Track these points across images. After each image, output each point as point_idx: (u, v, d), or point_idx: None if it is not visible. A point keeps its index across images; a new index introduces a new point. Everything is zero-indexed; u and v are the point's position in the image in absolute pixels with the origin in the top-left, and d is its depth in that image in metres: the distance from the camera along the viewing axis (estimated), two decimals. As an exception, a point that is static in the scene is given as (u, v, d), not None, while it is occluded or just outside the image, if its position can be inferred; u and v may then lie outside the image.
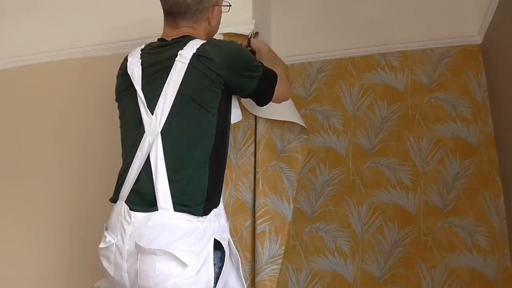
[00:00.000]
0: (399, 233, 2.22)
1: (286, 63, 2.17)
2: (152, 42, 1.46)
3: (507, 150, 2.04)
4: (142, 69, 1.38)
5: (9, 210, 2.06)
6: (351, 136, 2.42)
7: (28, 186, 2.06)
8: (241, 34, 1.78)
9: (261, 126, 1.76)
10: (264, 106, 1.48)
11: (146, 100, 1.32)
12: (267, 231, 1.67)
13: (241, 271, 1.39)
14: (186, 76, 1.29)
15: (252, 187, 1.75)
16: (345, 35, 2.52)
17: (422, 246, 2.17)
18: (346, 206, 2.33)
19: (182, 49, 1.32)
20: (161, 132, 1.27)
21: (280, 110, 1.68)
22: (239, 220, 1.72)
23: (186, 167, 1.27)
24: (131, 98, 1.37)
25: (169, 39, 1.41)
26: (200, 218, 1.24)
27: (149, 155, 1.27)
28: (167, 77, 1.30)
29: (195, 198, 1.25)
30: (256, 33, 1.82)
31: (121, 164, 1.36)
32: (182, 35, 1.40)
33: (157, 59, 1.37)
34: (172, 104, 1.28)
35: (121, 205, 1.27)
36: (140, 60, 1.40)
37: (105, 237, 1.29)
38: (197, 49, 1.31)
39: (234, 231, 1.68)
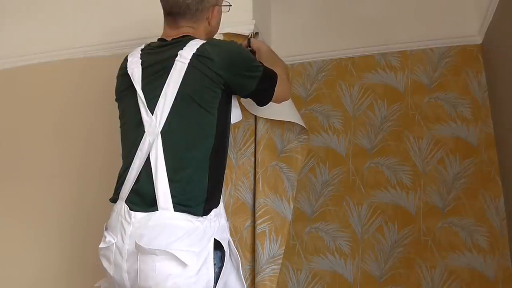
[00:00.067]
0: (399, 233, 2.22)
1: (286, 63, 2.17)
2: (152, 42, 1.46)
3: (507, 150, 2.04)
4: (142, 69, 1.38)
5: (9, 210, 2.06)
6: (351, 136, 2.42)
7: (28, 186, 2.06)
8: (241, 34, 1.78)
9: (261, 126, 1.76)
10: (264, 106, 1.48)
11: (146, 100, 1.32)
12: (267, 231, 1.67)
13: (241, 271, 1.39)
14: (186, 76, 1.29)
15: (252, 187, 1.75)
16: (345, 35, 2.52)
17: (422, 246, 2.17)
18: (346, 206, 2.33)
19: (182, 49, 1.32)
20: (161, 132, 1.27)
21: (280, 110, 1.68)
22: (239, 220, 1.72)
23: (186, 167, 1.27)
24: (131, 98, 1.37)
25: (169, 39, 1.41)
26: (200, 218, 1.24)
27: (149, 155, 1.27)
28: (167, 77, 1.30)
29: (195, 198, 1.25)
30: (256, 33, 1.82)
31: (121, 164, 1.36)
32: (182, 35, 1.40)
33: (157, 59, 1.37)
34: (172, 104, 1.28)
35: (121, 205, 1.27)
36: (140, 60, 1.40)
37: (105, 237, 1.29)
38: (197, 49, 1.31)
39: (234, 231, 1.68)
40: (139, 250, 1.19)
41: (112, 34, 2.07)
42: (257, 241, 1.66)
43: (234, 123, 1.50)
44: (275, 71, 1.43)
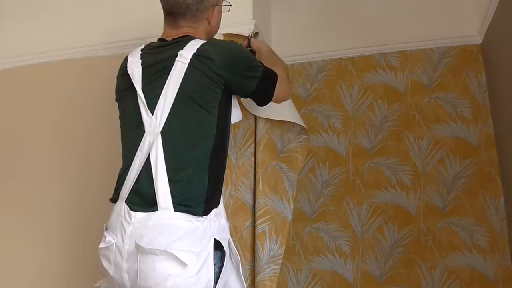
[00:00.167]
0: (399, 233, 2.22)
1: (286, 63, 2.17)
2: (152, 42, 1.46)
3: (507, 150, 2.04)
4: (142, 69, 1.38)
5: (9, 210, 2.06)
6: (351, 136, 2.42)
7: (28, 186, 2.06)
8: (241, 35, 1.77)
9: (261, 126, 1.76)
10: (264, 106, 1.48)
11: (146, 100, 1.32)
12: (267, 231, 1.67)
13: (241, 271, 1.39)
14: (186, 76, 1.29)
15: (252, 187, 1.75)
16: (345, 35, 2.52)
17: (422, 246, 2.17)
18: (346, 206, 2.33)
19: (182, 49, 1.32)
20: (161, 132, 1.27)
21: (280, 110, 1.68)
22: (239, 220, 1.72)
23: (186, 167, 1.27)
24: (131, 98, 1.37)
25: (169, 39, 1.41)
26: (200, 218, 1.24)
27: (149, 155, 1.27)
28: (167, 77, 1.30)
29: (195, 198, 1.25)
30: (256, 33, 1.82)
31: (121, 164, 1.36)
32: (182, 35, 1.40)
33: (157, 59, 1.37)
34: (172, 104, 1.28)
35: (121, 205, 1.27)
36: (140, 60, 1.40)
37: (105, 237, 1.29)
38: (197, 49, 1.31)
39: (234, 231, 1.68)
40: (139, 250, 1.19)
41: (112, 34, 2.07)
42: (257, 241, 1.66)
43: (234, 123, 1.50)
44: (275, 71, 1.43)
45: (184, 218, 1.22)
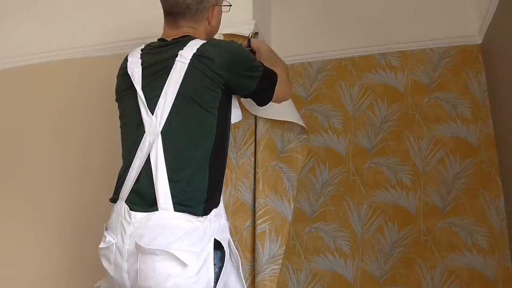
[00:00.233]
0: (399, 233, 2.22)
1: (286, 63, 2.16)
2: (152, 42, 1.46)
3: (507, 150, 2.04)
4: (142, 69, 1.38)
5: (9, 210, 2.06)
6: (351, 136, 2.42)
7: (28, 186, 2.06)
8: (241, 35, 1.77)
9: (261, 126, 1.76)
10: (264, 106, 1.48)
11: (146, 100, 1.32)
12: (267, 231, 1.67)
13: (241, 271, 1.39)
14: (186, 76, 1.29)
15: (252, 187, 1.75)
16: (345, 35, 2.52)
17: (422, 246, 2.17)
18: (346, 206, 2.33)
19: (182, 49, 1.32)
20: (161, 132, 1.27)
21: (280, 110, 1.68)
22: (239, 220, 1.72)
23: (186, 167, 1.27)
24: (131, 98, 1.37)
25: (169, 39, 1.41)
26: (200, 218, 1.24)
27: (149, 155, 1.27)
28: (167, 77, 1.30)
29: (195, 198, 1.25)
30: (256, 33, 1.82)
31: (121, 164, 1.36)
32: (182, 35, 1.40)
33: (157, 59, 1.37)
34: (172, 104, 1.28)
35: (121, 205, 1.27)
36: (140, 60, 1.40)
37: (105, 237, 1.29)
38: (197, 49, 1.31)
39: (234, 231, 1.68)
40: (139, 250, 1.19)
41: (112, 34, 2.07)
42: (257, 241, 1.66)
43: (234, 123, 1.50)
44: (275, 71, 1.43)
45: (184, 218, 1.22)
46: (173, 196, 1.22)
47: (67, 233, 1.95)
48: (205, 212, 1.26)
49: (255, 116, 1.77)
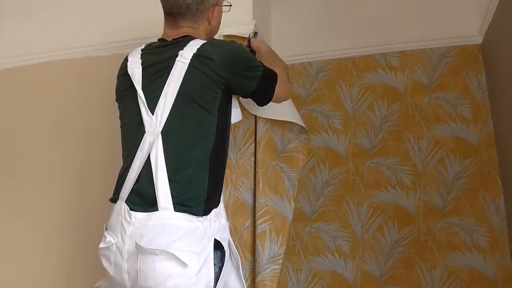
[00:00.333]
0: (399, 233, 2.22)
1: (286, 63, 2.16)
2: (152, 42, 1.46)
3: (507, 150, 2.05)
4: (143, 69, 1.38)
5: (9, 210, 2.06)
6: (351, 136, 2.42)
7: (28, 186, 2.06)
8: (241, 36, 1.77)
9: (261, 126, 1.76)
10: (264, 106, 1.48)
11: (146, 100, 1.32)
12: (267, 231, 1.67)
13: (241, 271, 1.39)
14: (186, 76, 1.29)
15: (252, 187, 1.75)
16: (345, 35, 2.52)
17: (422, 246, 2.17)
18: (346, 206, 2.34)
19: (182, 49, 1.32)
20: (161, 132, 1.27)
21: (280, 110, 1.68)
22: (239, 220, 1.72)
23: (187, 167, 1.27)
24: (131, 98, 1.37)
25: (169, 39, 1.41)
26: (200, 218, 1.24)
27: (149, 155, 1.27)
28: (168, 77, 1.30)
29: (195, 198, 1.25)
30: (255, 33, 1.82)
31: (122, 164, 1.36)
32: (182, 35, 1.40)
33: (158, 59, 1.37)
34: (173, 104, 1.28)
35: (121, 205, 1.27)
36: (141, 60, 1.40)
37: (105, 237, 1.29)
38: (198, 49, 1.31)
39: (234, 231, 1.68)
40: (139, 250, 1.19)
41: (112, 34, 2.07)
42: (257, 241, 1.66)
43: (234, 123, 1.49)
44: (275, 71, 1.43)
45: (184, 218, 1.22)
46: (173, 196, 1.22)
47: (67, 233, 1.95)
48: (205, 212, 1.26)
49: (255, 116, 1.77)
